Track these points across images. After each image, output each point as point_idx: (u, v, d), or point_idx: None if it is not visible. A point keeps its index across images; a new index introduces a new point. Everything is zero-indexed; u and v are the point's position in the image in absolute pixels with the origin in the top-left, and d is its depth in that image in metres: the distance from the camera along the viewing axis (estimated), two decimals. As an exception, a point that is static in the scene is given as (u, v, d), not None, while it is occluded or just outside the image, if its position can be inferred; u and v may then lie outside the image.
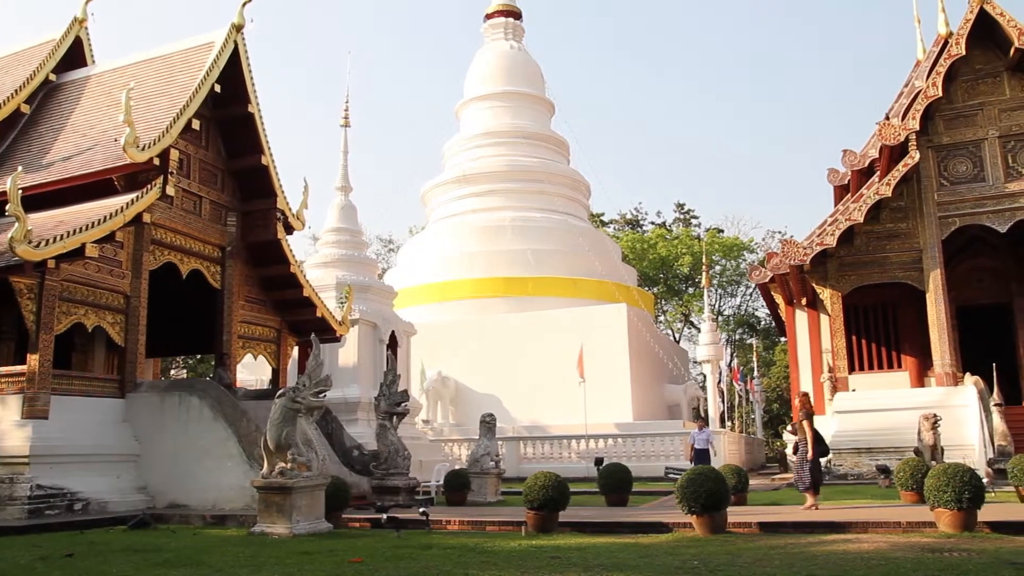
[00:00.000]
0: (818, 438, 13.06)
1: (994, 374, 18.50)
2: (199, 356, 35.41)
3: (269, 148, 16.67)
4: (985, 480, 11.17)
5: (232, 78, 16.02)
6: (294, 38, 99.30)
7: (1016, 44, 19.76)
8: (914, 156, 20.57)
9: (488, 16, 40.52)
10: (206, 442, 13.42)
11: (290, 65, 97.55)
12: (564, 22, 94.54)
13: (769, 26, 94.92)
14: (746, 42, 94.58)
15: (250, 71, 16.30)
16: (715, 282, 50.92)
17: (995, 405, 17.90)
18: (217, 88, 15.68)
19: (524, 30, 40.68)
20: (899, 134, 20.73)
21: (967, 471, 9.24)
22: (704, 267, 33.87)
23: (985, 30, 20.55)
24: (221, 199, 16.57)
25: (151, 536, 10.36)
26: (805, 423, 12.97)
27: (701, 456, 17.21)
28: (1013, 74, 20.74)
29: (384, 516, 10.98)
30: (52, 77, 17.88)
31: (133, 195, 14.00)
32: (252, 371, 24.11)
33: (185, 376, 36.86)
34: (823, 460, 14.04)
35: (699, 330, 34.81)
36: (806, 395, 13.87)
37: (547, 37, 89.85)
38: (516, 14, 40.40)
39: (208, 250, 16.25)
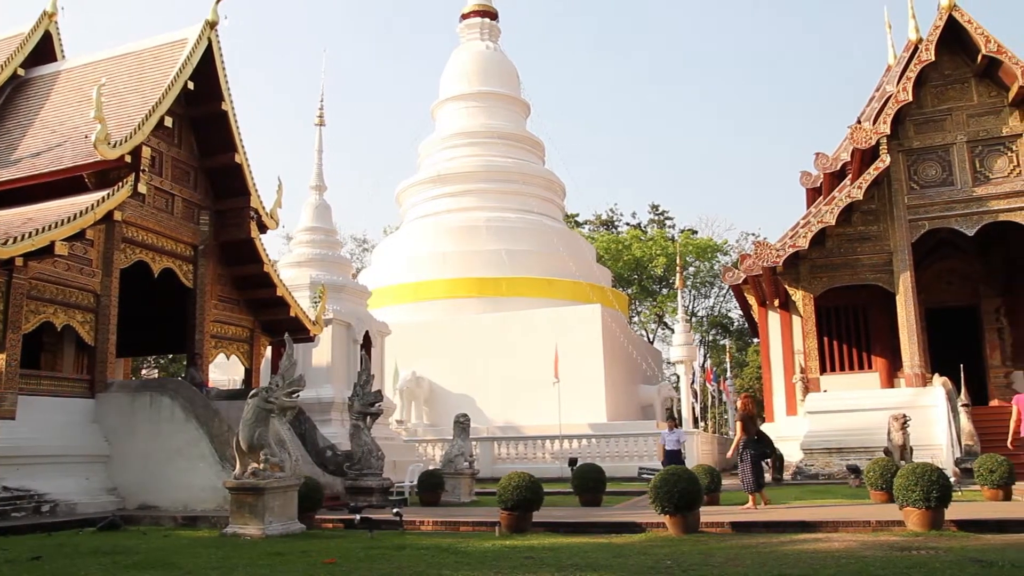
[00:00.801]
0: (762, 438, 13.26)
1: (962, 375, 18.77)
2: (171, 356, 35.09)
3: (243, 146, 16.52)
4: (952, 479, 11.32)
5: (206, 75, 15.86)
6: (270, 36, 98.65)
7: (983, 51, 20.06)
8: (885, 160, 20.83)
9: (464, 16, 40.44)
10: (178, 442, 13.28)
11: (265, 63, 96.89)
12: (541, 23, 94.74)
13: (747, 28, 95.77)
14: (724, 43, 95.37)
15: (224, 68, 16.14)
16: (689, 283, 51.27)
17: (963, 405, 18.18)
18: (190, 85, 15.49)
19: (500, 30, 40.68)
20: (870, 138, 20.98)
21: (935, 471, 9.39)
22: (678, 268, 34.07)
23: (954, 36, 20.85)
24: (194, 197, 16.40)
25: (121, 538, 10.23)
26: (738, 424, 13.18)
27: (672, 457, 17.16)
28: (980, 80, 21.05)
29: (357, 517, 10.92)
30: (20, 72, 17.56)
31: (104, 193, 13.81)
32: (225, 371, 23.90)
33: (156, 376, 36.48)
34: (795, 460, 14.21)
35: (673, 331, 35.01)
36: (748, 397, 14.08)
37: (523, 38, 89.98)
38: (492, 14, 40.37)
39: (180, 249, 16.08)
